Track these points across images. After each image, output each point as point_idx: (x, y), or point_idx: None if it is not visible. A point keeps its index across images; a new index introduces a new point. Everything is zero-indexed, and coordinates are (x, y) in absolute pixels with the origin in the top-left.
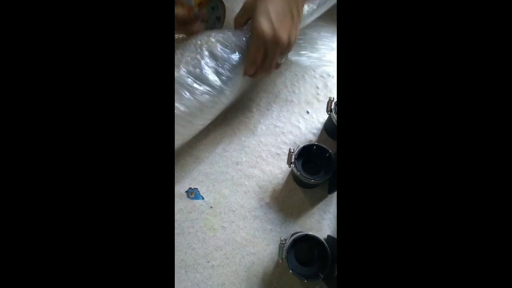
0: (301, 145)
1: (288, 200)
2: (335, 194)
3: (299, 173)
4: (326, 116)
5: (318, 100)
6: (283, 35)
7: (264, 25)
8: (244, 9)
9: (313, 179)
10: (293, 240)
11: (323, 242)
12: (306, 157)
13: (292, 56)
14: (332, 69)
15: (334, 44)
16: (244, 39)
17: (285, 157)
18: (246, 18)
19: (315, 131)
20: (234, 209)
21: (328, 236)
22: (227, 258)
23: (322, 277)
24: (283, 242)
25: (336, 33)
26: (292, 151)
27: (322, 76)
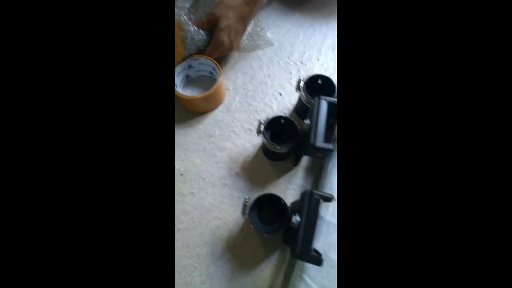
0: (271, 117)
1: (256, 171)
2: (299, 167)
3: (266, 140)
4: (296, 99)
5: (291, 84)
6: (234, 45)
7: (225, 39)
8: (209, 18)
9: (279, 146)
10: (257, 198)
11: (283, 200)
12: (275, 130)
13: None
14: (305, 58)
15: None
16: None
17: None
18: (209, 26)
19: (286, 111)
20: (204, 177)
21: (292, 202)
22: (194, 222)
23: (279, 232)
24: (247, 200)
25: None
26: (262, 122)
27: (296, 64)
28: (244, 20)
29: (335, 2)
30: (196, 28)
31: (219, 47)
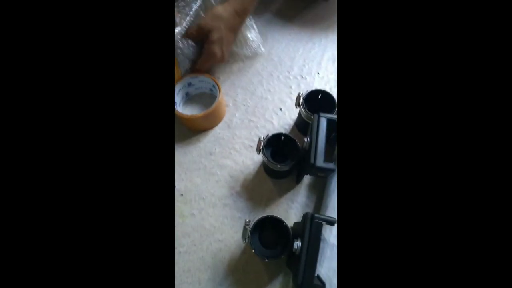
0: (270, 134)
1: (257, 189)
2: (302, 185)
3: (266, 159)
4: (297, 114)
5: (291, 99)
6: (225, 56)
7: (217, 51)
8: (199, 29)
9: (279, 165)
10: (257, 221)
11: (284, 223)
12: (275, 147)
13: None
14: (305, 72)
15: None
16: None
17: None
18: (199, 38)
19: (287, 126)
20: (204, 197)
21: (294, 223)
22: (195, 245)
23: (282, 257)
24: (248, 223)
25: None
26: (262, 139)
27: (296, 78)
28: (234, 31)
29: (333, 15)
30: (185, 43)
31: (210, 59)
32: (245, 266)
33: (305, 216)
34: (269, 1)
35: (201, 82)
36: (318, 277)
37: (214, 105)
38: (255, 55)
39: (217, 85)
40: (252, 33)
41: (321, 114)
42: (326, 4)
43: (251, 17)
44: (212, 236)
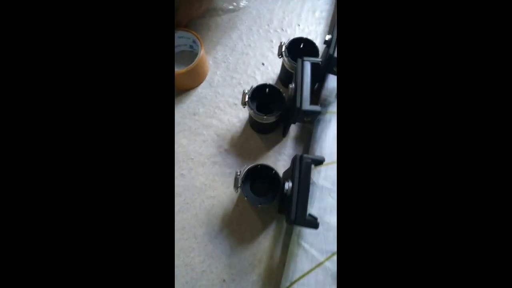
0: (254, 86)
1: (245, 145)
2: (288, 138)
3: (252, 111)
4: (280, 67)
5: (273, 53)
6: (205, 6)
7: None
8: None
9: (266, 116)
10: (248, 170)
11: (274, 170)
12: (260, 100)
13: None
14: (285, 24)
15: None
16: None
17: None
18: None
19: (270, 81)
20: (192, 157)
21: (284, 172)
22: (187, 203)
23: (274, 201)
24: (239, 174)
25: None
26: (246, 91)
27: (276, 31)
28: None
29: None
30: None
31: (188, 11)
32: (239, 218)
33: (294, 158)
34: None
35: (180, 38)
36: (310, 215)
37: (197, 60)
38: (234, 9)
39: (199, 39)
40: None
41: (305, 58)
42: None
43: None
44: (204, 194)
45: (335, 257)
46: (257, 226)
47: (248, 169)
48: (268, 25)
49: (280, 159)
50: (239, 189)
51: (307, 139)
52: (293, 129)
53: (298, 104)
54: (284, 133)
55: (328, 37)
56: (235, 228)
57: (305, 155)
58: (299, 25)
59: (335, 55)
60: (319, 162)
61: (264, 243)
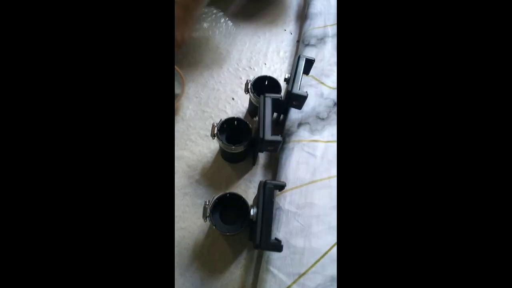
0: (223, 119)
1: (216, 175)
2: (258, 166)
3: (221, 142)
4: (248, 101)
5: (242, 89)
6: (185, 39)
7: (177, 35)
8: None
9: (234, 146)
10: (216, 199)
11: (242, 198)
12: (229, 132)
13: None
14: (253, 63)
15: None
16: None
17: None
18: None
19: (240, 114)
20: None
21: (253, 199)
22: None
23: (242, 229)
24: (207, 203)
25: None
26: (216, 124)
27: (245, 69)
28: (189, 10)
29: (274, 9)
30: None
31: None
32: (210, 248)
33: (259, 185)
34: None
35: None
36: (276, 239)
37: (181, 99)
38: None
39: (181, 76)
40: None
41: (267, 95)
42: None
43: None
44: (175, 225)
45: (302, 280)
46: (229, 256)
47: (217, 198)
48: (238, 64)
49: (250, 187)
50: (207, 219)
51: (275, 166)
52: (263, 157)
53: (261, 135)
54: (254, 161)
55: (287, 75)
56: (206, 259)
57: (268, 181)
58: (265, 64)
59: (293, 91)
60: (281, 187)
61: (236, 272)
